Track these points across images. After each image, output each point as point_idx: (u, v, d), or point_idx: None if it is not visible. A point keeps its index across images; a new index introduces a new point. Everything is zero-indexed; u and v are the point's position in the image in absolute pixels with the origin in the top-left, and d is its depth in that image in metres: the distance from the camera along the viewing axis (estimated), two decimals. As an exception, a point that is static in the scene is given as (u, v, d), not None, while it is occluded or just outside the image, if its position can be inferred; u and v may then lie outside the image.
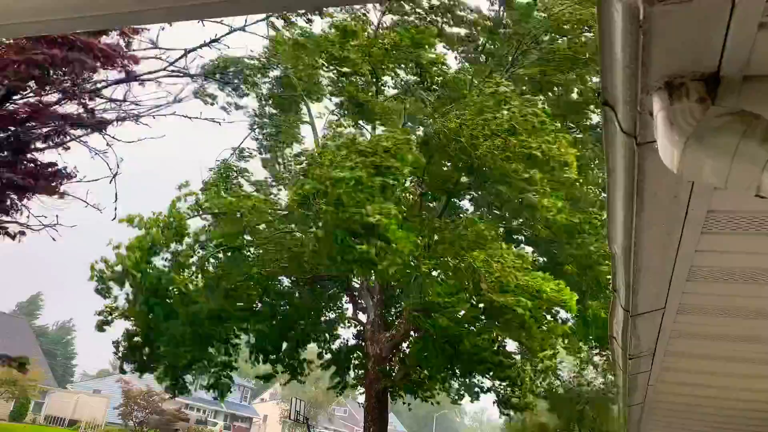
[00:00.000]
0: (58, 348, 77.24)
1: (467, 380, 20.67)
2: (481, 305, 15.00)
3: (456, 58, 19.90)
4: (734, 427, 5.38)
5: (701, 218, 2.11)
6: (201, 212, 18.39)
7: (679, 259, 2.41)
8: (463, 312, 15.26)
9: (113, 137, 15.81)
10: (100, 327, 18.02)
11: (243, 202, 16.67)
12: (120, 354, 18.84)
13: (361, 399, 21.63)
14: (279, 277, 19.97)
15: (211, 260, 19.12)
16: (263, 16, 18.20)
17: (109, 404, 40.48)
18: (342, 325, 21.85)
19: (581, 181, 16.21)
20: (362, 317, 20.32)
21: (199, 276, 18.52)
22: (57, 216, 15.38)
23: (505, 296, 13.54)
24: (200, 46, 16.90)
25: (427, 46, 17.74)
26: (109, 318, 18.12)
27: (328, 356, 21.59)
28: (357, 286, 20.29)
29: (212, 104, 19.99)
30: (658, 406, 5.17)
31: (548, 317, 15.17)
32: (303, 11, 18.23)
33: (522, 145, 13.83)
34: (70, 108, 15.16)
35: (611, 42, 1.47)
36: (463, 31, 19.73)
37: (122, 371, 19.92)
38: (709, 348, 3.65)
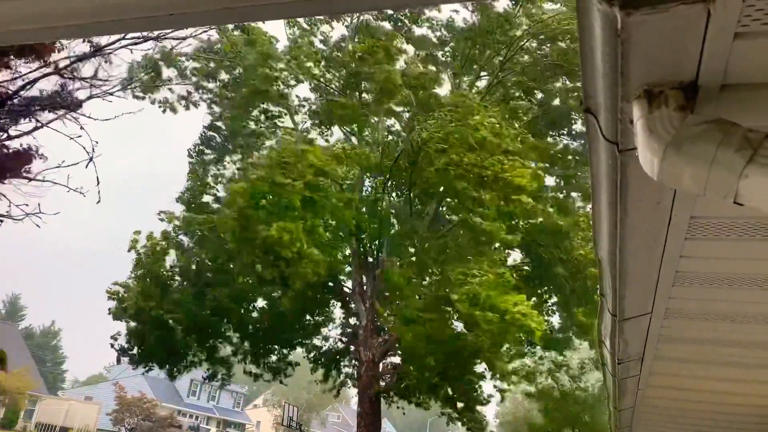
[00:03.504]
0: (46, 353, 76.54)
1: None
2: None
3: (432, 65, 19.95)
4: (723, 429, 5.41)
5: (684, 224, 2.12)
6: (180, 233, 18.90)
7: (664, 264, 2.43)
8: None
9: (88, 116, 15.53)
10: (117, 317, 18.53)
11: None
12: (119, 347, 19.24)
13: (355, 404, 21.66)
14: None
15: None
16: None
17: (101, 411, 40.20)
18: (326, 328, 21.99)
19: (538, 207, 16.28)
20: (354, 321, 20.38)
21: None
22: (39, 204, 15.17)
23: (473, 309, 13.57)
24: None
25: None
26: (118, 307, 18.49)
27: (317, 358, 21.69)
28: (348, 291, 20.32)
29: (143, 98, 18.88)
30: (647, 410, 5.19)
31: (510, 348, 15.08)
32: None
33: (475, 164, 14.02)
34: (40, 86, 14.94)
35: (591, 51, 1.48)
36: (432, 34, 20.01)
37: (119, 361, 20.36)
38: (696, 352, 3.67)
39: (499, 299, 13.55)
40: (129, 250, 18.95)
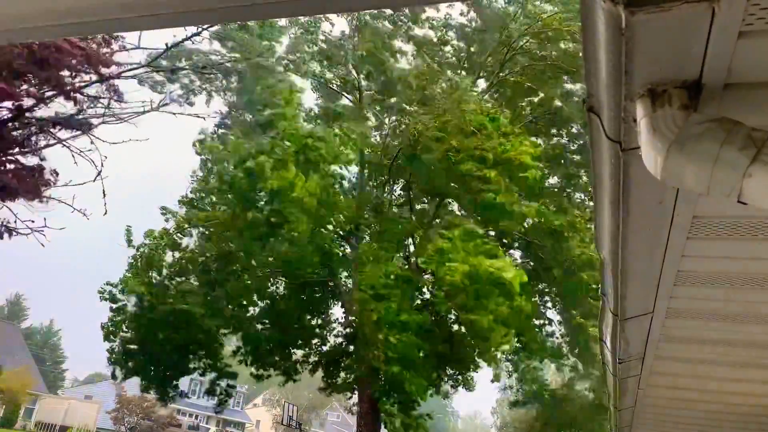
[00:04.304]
0: (46, 352, 76.56)
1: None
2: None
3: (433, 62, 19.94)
4: (724, 429, 5.41)
5: (686, 224, 2.12)
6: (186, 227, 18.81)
7: (665, 264, 2.43)
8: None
9: (98, 137, 15.88)
10: (107, 336, 18.36)
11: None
12: (113, 359, 18.96)
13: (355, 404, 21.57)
14: (269, 282, 20.08)
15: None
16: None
17: (101, 410, 40.19)
18: (328, 330, 21.86)
19: (542, 184, 16.23)
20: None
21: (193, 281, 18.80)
22: (45, 219, 15.36)
23: (441, 267, 13.43)
24: (182, 41, 16.70)
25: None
26: (115, 328, 18.36)
27: (317, 359, 21.57)
28: (349, 290, 20.30)
29: (160, 92, 18.76)
30: (647, 410, 5.19)
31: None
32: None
33: (476, 146, 13.98)
34: (54, 108, 15.19)
35: (595, 50, 1.48)
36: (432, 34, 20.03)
37: (114, 377, 20.00)
38: (697, 352, 3.67)
39: (471, 258, 13.39)
40: (129, 246, 18.88)
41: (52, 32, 1.80)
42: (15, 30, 1.75)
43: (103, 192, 15.80)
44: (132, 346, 18.48)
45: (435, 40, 20.46)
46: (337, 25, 20.66)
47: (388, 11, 19.06)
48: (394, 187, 20.70)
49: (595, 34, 1.43)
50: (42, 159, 15.19)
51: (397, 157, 17.91)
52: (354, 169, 20.15)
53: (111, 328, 18.42)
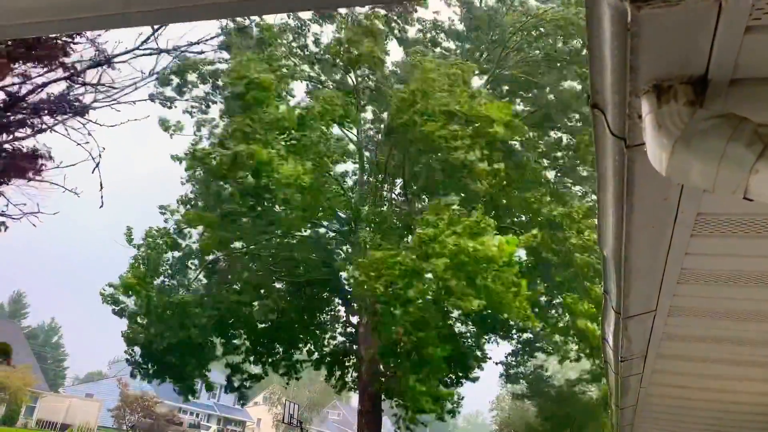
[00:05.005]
0: (47, 350, 76.74)
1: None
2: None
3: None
4: (726, 428, 5.40)
5: (691, 221, 2.11)
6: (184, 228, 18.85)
7: (669, 261, 2.42)
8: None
9: (94, 121, 15.72)
10: (130, 344, 18.50)
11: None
12: (132, 362, 19.14)
13: (356, 402, 21.60)
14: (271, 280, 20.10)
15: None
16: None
17: (102, 408, 40.28)
18: (336, 326, 21.87)
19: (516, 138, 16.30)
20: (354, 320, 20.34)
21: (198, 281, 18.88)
22: (38, 204, 15.20)
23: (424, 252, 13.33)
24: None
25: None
26: (134, 335, 18.48)
27: (320, 358, 21.57)
28: (350, 289, 20.31)
29: (170, 107, 19.31)
30: (650, 408, 5.19)
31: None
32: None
33: (439, 102, 14.03)
34: (47, 92, 15.15)
35: (600, 45, 1.47)
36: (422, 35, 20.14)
37: (132, 375, 20.28)
38: (700, 350, 3.66)
39: (455, 237, 13.30)
40: (129, 244, 18.94)
41: (55, 27, 1.79)
42: (17, 25, 1.74)
43: (101, 184, 15.57)
44: (149, 350, 18.56)
45: (426, 41, 20.55)
46: (329, 26, 20.70)
47: (383, 11, 19.08)
48: (394, 188, 20.71)
49: (600, 29, 1.42)
50: (35, 139, 15.12)
51: (390, 153, 17.98)
52: (354, 166, 20.17)
53: (131, 335, 18.51)
